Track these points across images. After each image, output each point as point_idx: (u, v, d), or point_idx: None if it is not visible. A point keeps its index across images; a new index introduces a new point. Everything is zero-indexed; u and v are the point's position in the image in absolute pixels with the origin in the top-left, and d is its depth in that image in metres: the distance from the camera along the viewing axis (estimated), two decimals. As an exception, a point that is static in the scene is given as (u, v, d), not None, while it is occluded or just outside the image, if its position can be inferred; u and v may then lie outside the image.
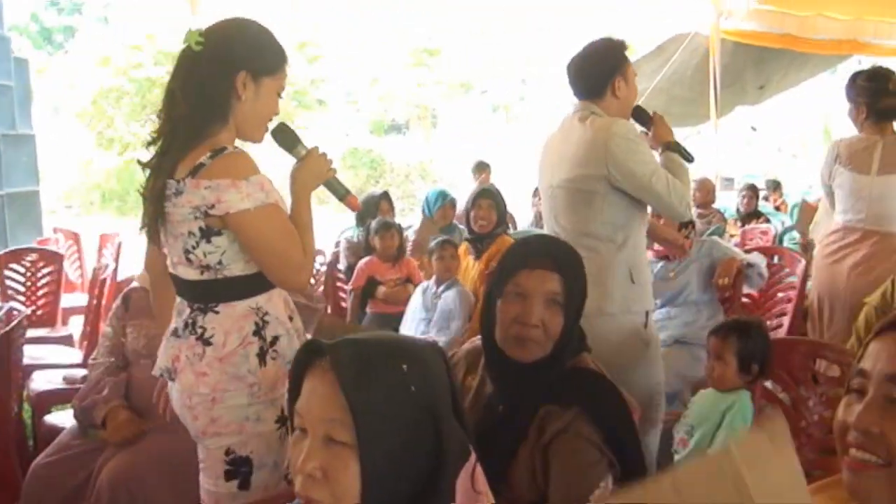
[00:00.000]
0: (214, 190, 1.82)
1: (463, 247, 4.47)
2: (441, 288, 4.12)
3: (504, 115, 21.35)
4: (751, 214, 6.96)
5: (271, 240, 1.90)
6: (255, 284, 1.96)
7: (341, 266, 5.13)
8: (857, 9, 8.26)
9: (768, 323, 4.14)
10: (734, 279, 3.76)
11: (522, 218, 8.24)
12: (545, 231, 3.00)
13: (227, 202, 1.83)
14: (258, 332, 1.93)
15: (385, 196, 5.61)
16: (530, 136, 19.33)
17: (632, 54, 3.17)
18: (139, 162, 2.01)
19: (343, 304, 4.90)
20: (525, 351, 1.73)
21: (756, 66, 9.01)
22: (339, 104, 18.15)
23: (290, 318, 2.07)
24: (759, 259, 3.90)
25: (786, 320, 4.09)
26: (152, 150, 1.96)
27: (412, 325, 4.18)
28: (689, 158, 2.87)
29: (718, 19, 7.47)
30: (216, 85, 1.89)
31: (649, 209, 2.89)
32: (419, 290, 4.28)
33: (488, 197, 4.44)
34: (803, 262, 4.15)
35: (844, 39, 8.53)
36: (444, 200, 5.46)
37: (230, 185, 1.83)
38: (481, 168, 8.49)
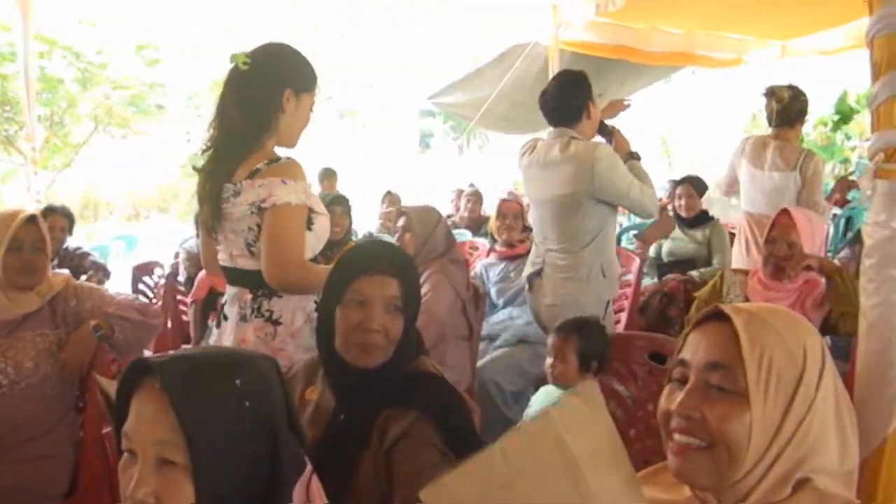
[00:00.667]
0: (267, 186, 2.11)
1: (308, 254, 4.42)
2: (283, 297, 4.06)
3: (351, 122, 21.18)
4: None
5: (287, 234, 2.13)
6: None
7: (181, 278, 4.91)
8: (690, 23, 8.67)
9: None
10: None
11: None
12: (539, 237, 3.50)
13: (276, 196, 2.10)
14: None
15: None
16: (379, 143, 19.25)
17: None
18: (194, 167, 2.29)
19: (185, 318, 4.69)
20: (369, 357, 1.73)
21: (594, 75, 9.16)
22: (180, 109, 17.47)
23: None
24: None
25: (623, 316, 4.26)
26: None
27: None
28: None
29: (557, 30, 7.70)
30: (267, 101, 2.20)
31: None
32: (260, 299, 4.19)
33: (341, 203, 4.43)
34: (638, 260, 4.36)
35: (678, 51, 8.95)
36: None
37: (280, 182, 2.11)
38: (328, 175, 8.38)
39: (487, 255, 4.51)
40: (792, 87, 4.12)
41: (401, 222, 3.56)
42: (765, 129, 4.37)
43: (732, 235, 5.40)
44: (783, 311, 1.25)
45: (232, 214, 2.16)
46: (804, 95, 4.14)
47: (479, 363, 3.70)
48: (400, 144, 19.86)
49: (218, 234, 2.25)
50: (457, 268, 3.54)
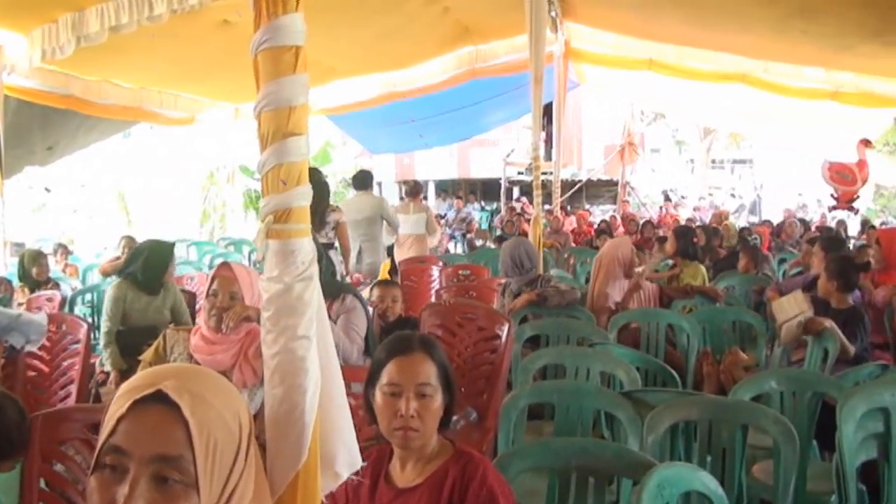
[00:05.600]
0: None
1: None
2: None
3: None
4: (43, 282, 6.56)
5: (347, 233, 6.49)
6: None
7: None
8: (142, 78, 8.67)
9: (59, 392, 4.06)
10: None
11: None
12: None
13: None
14: None
15: None
16: None
17: None
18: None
19: None
20: None
21: (43, 125, 8.77)
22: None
23: None
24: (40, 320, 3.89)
25: (74, 388, 4.04)
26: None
27: None
28: None
29: (1, 74, 7.08)
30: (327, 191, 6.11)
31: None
32: None
33: None
34: (85, 326, 4.19)
35: (131, 106, 8.88)
36: None
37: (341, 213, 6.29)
38: None
39: None
40: (415, 181, 8.96)
41: None
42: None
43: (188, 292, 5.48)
44: (216, 381, 1.24)
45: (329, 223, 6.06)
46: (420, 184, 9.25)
47: None
48: None
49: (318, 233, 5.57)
50: None
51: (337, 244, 6.38)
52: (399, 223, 8.06)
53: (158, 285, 4.93)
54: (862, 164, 11.63)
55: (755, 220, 18.88)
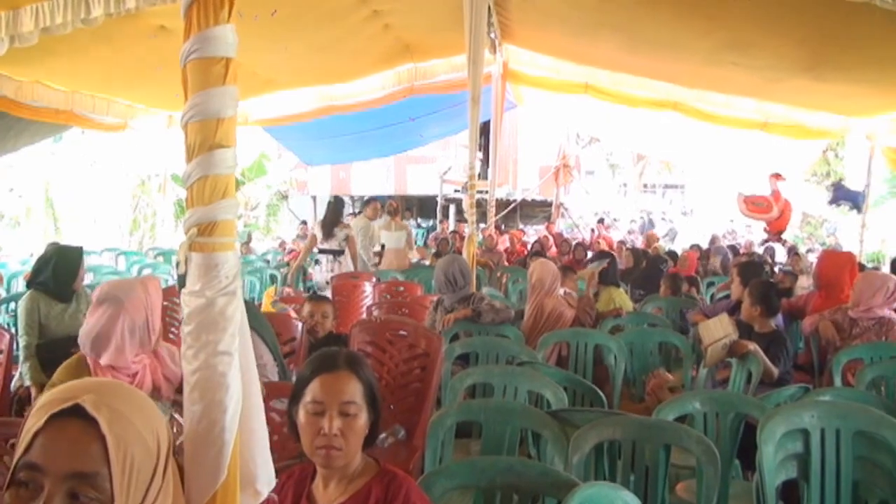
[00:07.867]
0: (348, 230, 8.81)
1: None
2: None
3: None
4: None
5: (356, 243, 9.20)
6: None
7: None
8: (75, 82, 8.47)
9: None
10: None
11: None
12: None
13: (351, 232, 8.93)
14: None
15: None
16: None
17: None
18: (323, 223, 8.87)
19: None
20: None
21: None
22: None
23: None
24: None
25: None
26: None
27: None
28: None
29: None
30: (342, 210, 8.99)
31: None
32: None
33: None
34: (7, 336, 4.06)
35: (63, 109, 8.67)
36: None
37: (351, 229, 9.13)
38: None
39: None
40: (396, 202, 9.96)
41: None
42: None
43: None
44: (136, 397, 1.22)
45: (337, 235, 8.50)
46: (399, 204, 11.27)
47: None
48: None
49: (326, 240, 8.48)
50: None
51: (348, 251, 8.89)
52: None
53: (70, 292, 4.78)
54: (776, 195, 12.14)
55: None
